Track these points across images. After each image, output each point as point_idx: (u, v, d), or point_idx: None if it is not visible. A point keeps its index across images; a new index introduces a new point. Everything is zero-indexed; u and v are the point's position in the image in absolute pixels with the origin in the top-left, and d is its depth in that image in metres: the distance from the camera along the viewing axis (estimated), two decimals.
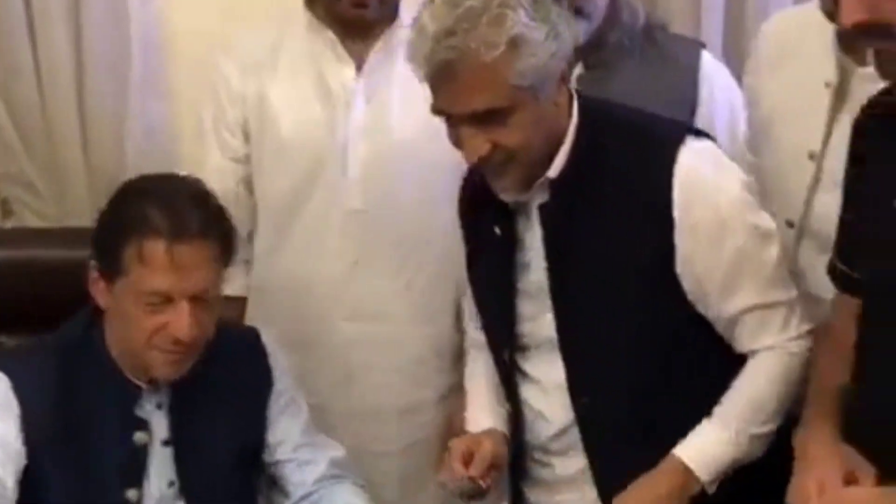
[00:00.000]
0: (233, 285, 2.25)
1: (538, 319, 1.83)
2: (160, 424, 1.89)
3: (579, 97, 1.77)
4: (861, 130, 1.59)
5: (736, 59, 2.46)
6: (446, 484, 1.83)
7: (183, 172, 1.97)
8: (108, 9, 2.57)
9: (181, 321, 1.77)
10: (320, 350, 2.24)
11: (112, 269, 1.80)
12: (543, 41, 1.63)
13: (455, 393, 2.19)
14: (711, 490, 1.74)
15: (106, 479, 1.84)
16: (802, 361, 1.75)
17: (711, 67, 2.16)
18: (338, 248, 2.21)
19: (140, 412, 1.88)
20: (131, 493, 1.86)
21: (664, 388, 1.77)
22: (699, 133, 1.81)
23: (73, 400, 1.84)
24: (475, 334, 2.04)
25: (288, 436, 2.00)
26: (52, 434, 1.82)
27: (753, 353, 1.77)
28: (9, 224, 2.65)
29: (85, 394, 1.85)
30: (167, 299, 1.77)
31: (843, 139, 1.67)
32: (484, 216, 1.86)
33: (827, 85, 1.83)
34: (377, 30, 2.20)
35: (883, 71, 1.45)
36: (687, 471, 1.73)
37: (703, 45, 2.24)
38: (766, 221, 1.77)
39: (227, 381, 1.94)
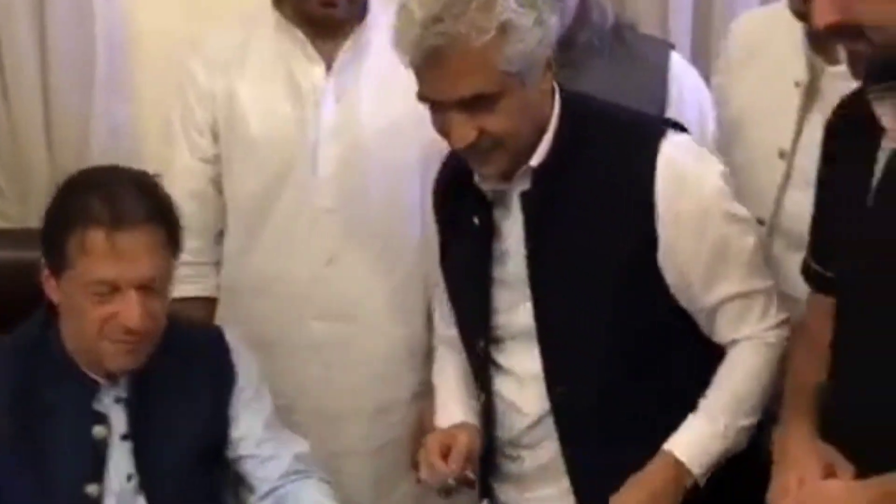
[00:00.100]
0: (203, 286, 2.25)
1: (514, 309, 1.82)
2: (119, 418, 1.89)
3: (560, 89, 1.78)
4: (833, 131, 1.60)
5: (704, 60, 2.48)
6: (427, 481, 1.83)
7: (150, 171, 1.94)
8: (72, 7, 2.56)
9: (130, 310, 1.77)
10: (292, 350, 2.23)
11: (59, 264, 1.80)
12: (531, 27, 1.64)
13: (427, 392, 2.17)
14: (703, 482, 1.75)
15: (66, 475, 1.84)
16: (780, 352, 1.77)
17: (680, 68, 2.18)
18: (309, 248, 2.19)
19: (98, 406, 1.87)
20: (91, 489, 1.85)
21: (641, 378, 1.78)
22: (677, 126, 1.82)
23: (31, 399, 1.84)
24: (444, 331, 2.04)
25: (250, 431, 1.99)
26: (9, 435, 1.82)
27: (733, 342, 1.78)
28: None
29: (42, 392, 1.84)
30: (114, 288, 1.77)
31: (813, 137, 1.68)
32: (460, 206, 1.86)
33: (797, 84, 1.85)
34: (346, 29, 2.19)
35: (855, 71, 1.46)
36: (679, 465, 1.74)
37: (672, 46, 2.25)
38: (744, 211, 1.78)
39: (188, 377, 1.94)
